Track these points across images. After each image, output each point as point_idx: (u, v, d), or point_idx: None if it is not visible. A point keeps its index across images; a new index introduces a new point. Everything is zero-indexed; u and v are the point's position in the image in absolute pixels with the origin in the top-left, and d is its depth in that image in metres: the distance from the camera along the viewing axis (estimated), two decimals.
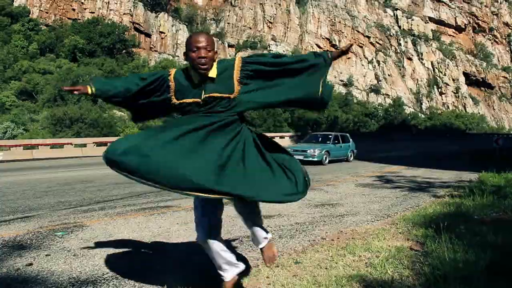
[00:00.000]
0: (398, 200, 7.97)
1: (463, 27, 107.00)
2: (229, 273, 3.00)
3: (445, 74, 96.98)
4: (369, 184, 10.38)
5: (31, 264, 4.14)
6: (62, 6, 68.60)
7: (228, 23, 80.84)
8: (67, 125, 34.14)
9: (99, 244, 4.87)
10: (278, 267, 3.91)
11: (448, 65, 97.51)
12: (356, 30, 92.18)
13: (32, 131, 34.28)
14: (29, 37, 59.28)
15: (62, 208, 7.34)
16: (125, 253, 4.52)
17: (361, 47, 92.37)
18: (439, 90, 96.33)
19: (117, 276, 3.80)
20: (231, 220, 6.21)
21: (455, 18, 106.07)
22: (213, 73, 2.81)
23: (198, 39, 2.78)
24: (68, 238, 5.18)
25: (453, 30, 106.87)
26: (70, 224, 6.04)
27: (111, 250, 4.63)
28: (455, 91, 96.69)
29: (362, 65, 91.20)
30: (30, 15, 63.94)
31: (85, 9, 69.61)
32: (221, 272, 3.00)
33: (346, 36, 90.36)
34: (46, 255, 4.46)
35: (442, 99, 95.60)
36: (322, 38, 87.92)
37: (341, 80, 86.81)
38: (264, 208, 6.99)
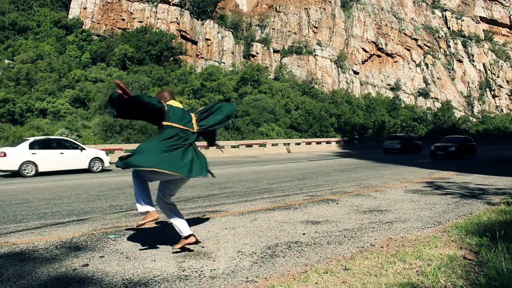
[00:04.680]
0: (450, 207, 7.72)
1: None
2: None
3: (498, 76, 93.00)
4: (419, 190, 10.11)
5: (87, 265, 4.33)
6: (112, 17, 71.14)
7: (273, 29, 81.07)
8: (117, 131, 35.31)
9: (149, 248, 5.02)
10: (327, 273, 3.89)
11: (501, 66, 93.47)
12: (403, 33, 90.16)
13: (85, 137, 35.64)
14: (82, 47, 61.80)
15: (114, 212, 7.60)
16: (175, 257, 4.62)
17: (409, 50, 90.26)
18: (492, 92, 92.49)
19: (168, 278, 3.90)
20: (278, 225, 6.23)
21: (510, 17, 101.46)
22: None
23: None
24: (120, 241, 5.36)
25: (508, 30, 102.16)
26: (121, 227, 6.26)
27: (161, 254, 4.76)
28: (510, 94, 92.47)
29: (410, 68, 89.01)
30: (83, 26, 66.72)
31: (134, 18, 71.83)
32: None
33: (392, 39, 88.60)
34: (101, 256, 4.65)
35: (496, 102, 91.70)
36: (368, 41, 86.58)
37: (388, 84, 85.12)
38: (311, 214, 7.00)
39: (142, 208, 4.56)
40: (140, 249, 4.94)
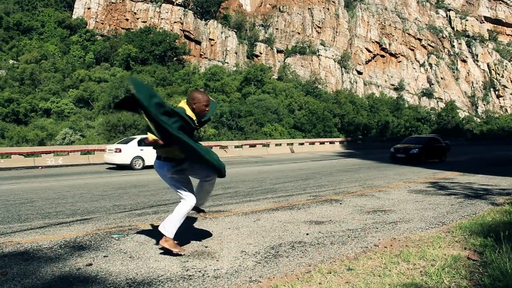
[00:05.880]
0: (454, 208, 7.70)
1: None
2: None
3: (502, 76, 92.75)
4: (422, 191, 10.08)
5: (90, 265, 4.34)
6: (116, 17, 71.30)
7: (277, 29, 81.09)
8: (121, 131, 35.34)
9: (153, 247, 5.02)
10: (330, 273, 3.88)
11: (506, 66, 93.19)
12: (407, 33, 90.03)
13: (88, 137, 35.73)
14: (86, 47, 61.96)
15: (117, 212, 7.61)
16: (178, 257, 4.63)
17: (412, 50, 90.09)
18: (496, 92, 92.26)
19: (171, 278, 3.90)
20: (282, 225, 6.23)
21: None
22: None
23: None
24: (124, 241, 5.37)
25: None
26: (125, 227, 6.26)
27: (165, 253, 4.76)
28: None
29: (414, 68, 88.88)
30: (87, 26, 66.90)
31: (137, 18, 71.98)
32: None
33: (396, 39, 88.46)
34: (104, 256, 4.66)
35: (500, 102, 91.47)
36: (372, 41, 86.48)
37: (392, 84, 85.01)
38: (315, 214, 6.99)
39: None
40: (144, 249, 4.94)
